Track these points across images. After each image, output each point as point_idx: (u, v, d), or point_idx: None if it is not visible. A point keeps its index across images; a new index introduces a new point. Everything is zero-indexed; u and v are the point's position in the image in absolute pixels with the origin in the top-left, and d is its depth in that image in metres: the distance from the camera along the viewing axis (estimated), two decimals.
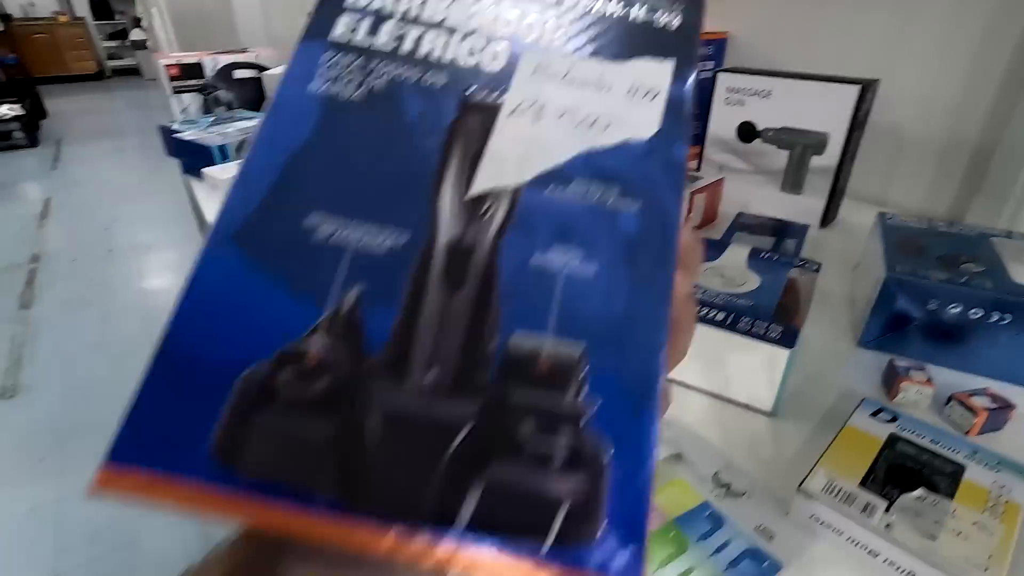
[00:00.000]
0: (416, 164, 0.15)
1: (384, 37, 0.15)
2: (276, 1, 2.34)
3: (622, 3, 0.17)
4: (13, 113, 4.58)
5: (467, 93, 0.15)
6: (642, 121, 0.17)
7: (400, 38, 0.15)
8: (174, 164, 1.09)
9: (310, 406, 0.12)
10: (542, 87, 0.16)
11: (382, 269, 0.14)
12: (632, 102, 0.17)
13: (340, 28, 0.15)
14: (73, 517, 1.50)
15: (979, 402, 0.42)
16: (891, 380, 0.46)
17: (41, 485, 1.58)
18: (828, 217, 0.79)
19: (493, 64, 0.16)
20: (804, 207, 0.79)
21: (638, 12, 0.18)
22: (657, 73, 0.17)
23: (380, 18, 0.15)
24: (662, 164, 0.16)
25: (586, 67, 0.17)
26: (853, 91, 0.70)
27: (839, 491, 0.35)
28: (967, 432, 0.42)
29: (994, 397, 0.43)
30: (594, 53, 0.17)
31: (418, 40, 0.15)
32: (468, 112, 0.15)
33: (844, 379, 0.49)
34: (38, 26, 6.96)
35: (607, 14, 0.17)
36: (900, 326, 0.50)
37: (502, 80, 0.16)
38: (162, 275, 2.72)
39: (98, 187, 3.85)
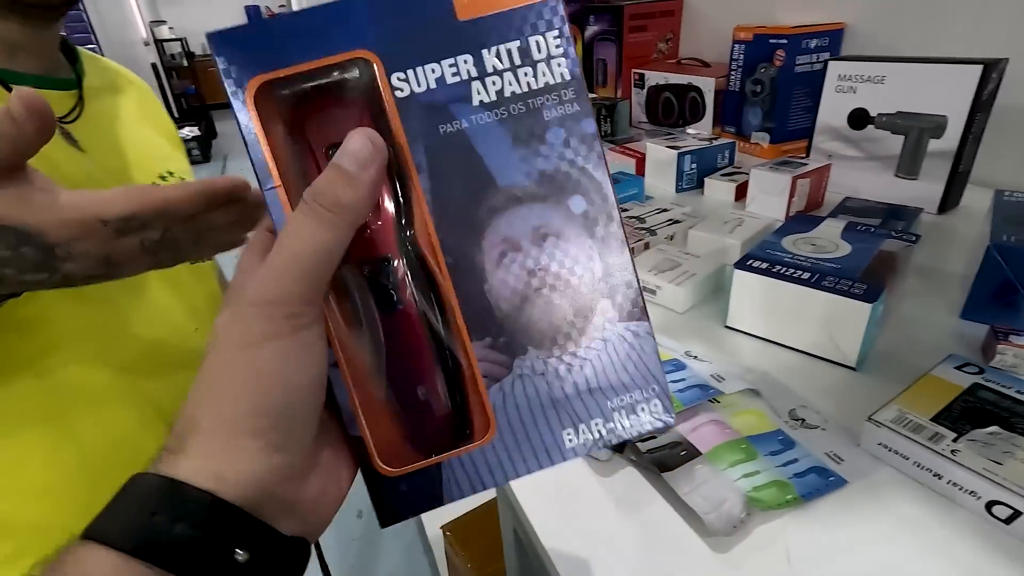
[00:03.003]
0: None
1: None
2: None
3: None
4: (192, 134, 5.44)
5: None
6: None
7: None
8: None
9: None
10: None
11: None
12: None
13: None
14: None
15: None
16: (990, 344, 0.47)
17: None
18: (948, 202, 0.76)
19: None
20: (920, 193, 0.77)
21: None
22: None
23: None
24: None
25: None
26: (975, 72, 0.68)
27: (909, 422, 0.38)
28: None
29: None
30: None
31: None
32: None
33: (940, 346, 0.50)
34: (213, 61, 8.17)
35: None
36: (1006, 297, 0.50)
37: None
38: None
39: None
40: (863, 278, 0.47)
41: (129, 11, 6.03)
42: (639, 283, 0.22)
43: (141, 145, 0.57)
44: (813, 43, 0.98)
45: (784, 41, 0.97)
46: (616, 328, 0.22)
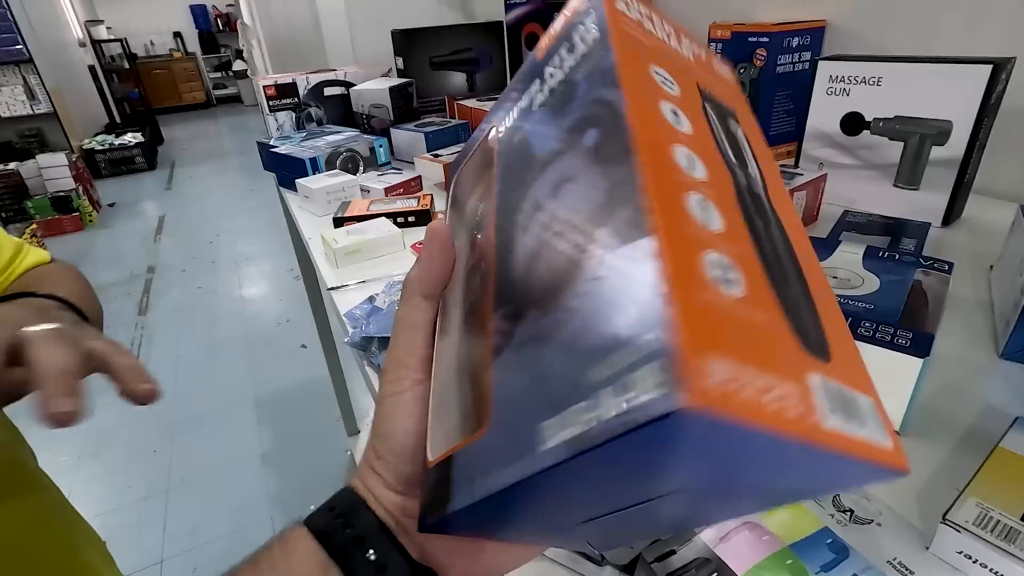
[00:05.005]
0: None
1: None
2: (360, 27, 2.46)
3: None
4: (136, 140, 5.13)
5: None
6: None
7: None
8: (269, 182, 1.17)
9: None
10: None
11: None
12: None
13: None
14: (179, 508, 1.62)
15: None
16: None
17: (154, 475, 1.73)
18: (952, 214, 0.70)
19: None
20: (922, 204, 0.71)
21: None
22: None
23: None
24: None
25: None
26: (983, 72, 0.62)
27: (996, 524, 0.30)
28: None
29: None
30: None
31: None
32: None
33: (986, 395, 0.43)
34: (157, 63, 7.79)
35: None
36: None
37: None
38: (258, 284, 2.92)
39: (205, 204, 4.22)
40: (904, 323, 0.40)
41: (60, 9, 5.64)
42: (647, 193, 0.14)
43: None
44: (795, 42, 0.91)
45: (765, 40, 0.90)
46: (615, 258, 0.14)
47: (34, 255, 0.54)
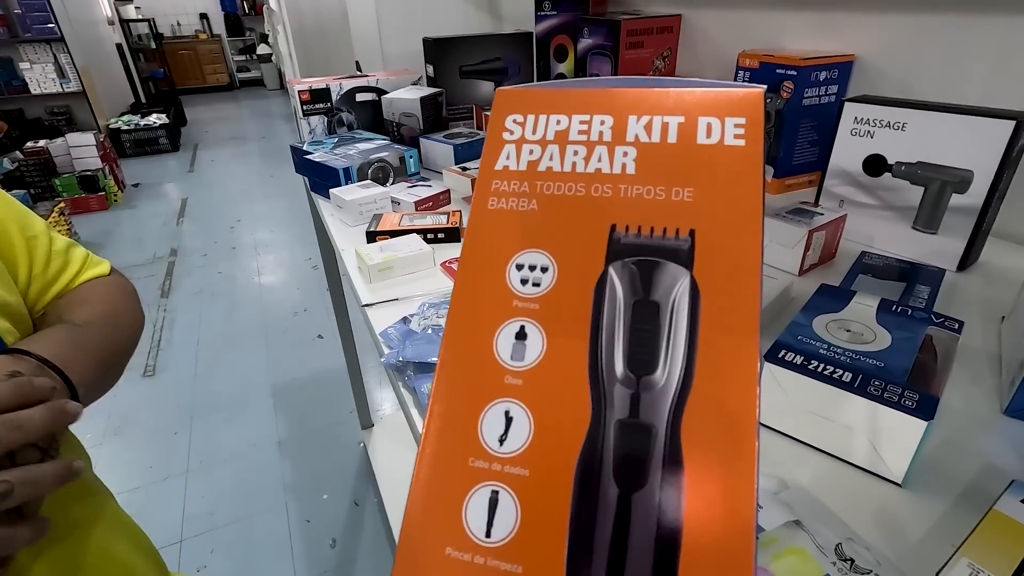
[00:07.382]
0: None
1: None
2: (389, 21, 2.48)
3: None
4: (160, 121, 5.20)
5: None
6: None
7: None
8: (289, 168, 1.21)
9: None
10: None
11: None
12: None
13: None
14: (198, 490, 1.68)
15: None
16: None
17: (174, 457, 1.79)
18: (968, 259, 0.72)
19: None
20: (938, 247, 0.73)
21: None
22: None
23: None
24: None
25: None
26: (1006, 127, 0.64)
27: None
28: None
29: None
30: None
31: None
32: None
33: (986, 452, 0.45)
34: (183, 43, 7.86)
35: None
36: None
37: None
38: (276, 272, 2.98)
39: (225, 189, 4.28)
40: (912, 382, 0.42)
41: None
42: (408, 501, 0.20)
43: None
44: (823, 75, 0.93)
45: (793, 72, 0.91)
46: None
47: (94, 268, 0.58)
